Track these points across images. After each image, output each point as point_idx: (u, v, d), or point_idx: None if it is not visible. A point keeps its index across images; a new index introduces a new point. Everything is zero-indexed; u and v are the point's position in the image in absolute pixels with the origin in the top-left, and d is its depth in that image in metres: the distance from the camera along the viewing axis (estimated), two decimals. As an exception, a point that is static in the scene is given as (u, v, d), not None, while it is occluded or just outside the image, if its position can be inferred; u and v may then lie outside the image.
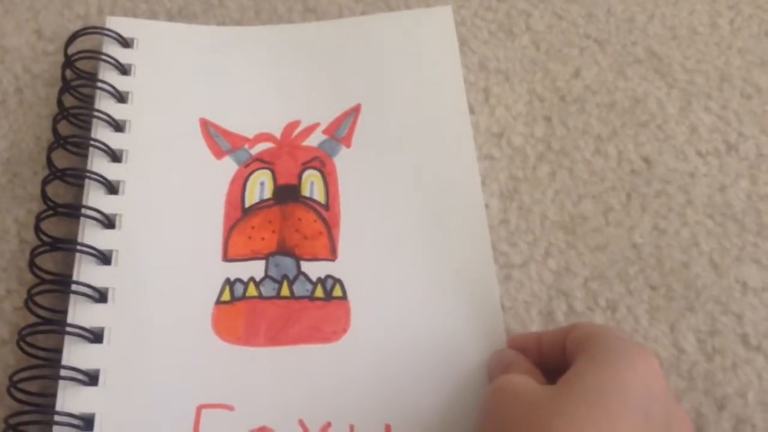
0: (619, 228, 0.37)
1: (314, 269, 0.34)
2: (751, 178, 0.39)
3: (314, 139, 0.38)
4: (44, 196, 0.34)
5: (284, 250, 0.35)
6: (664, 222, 0.38)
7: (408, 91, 0.39)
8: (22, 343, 0.31)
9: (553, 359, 0.30)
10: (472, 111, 0.40)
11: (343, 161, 0.37)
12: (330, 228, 0.36)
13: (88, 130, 0.37)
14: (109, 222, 0.34)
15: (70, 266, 0.33)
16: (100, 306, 0.32)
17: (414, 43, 0.40)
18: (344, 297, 0.34)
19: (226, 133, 0.38)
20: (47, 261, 0.34)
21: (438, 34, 0.41)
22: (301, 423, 0.31)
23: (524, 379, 0.28)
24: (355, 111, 0.38)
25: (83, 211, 0.34)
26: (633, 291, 0.36)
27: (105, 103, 0.37)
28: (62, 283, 0.33)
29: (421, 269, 0.35)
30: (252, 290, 0.34)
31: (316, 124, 0.38)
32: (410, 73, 0.39)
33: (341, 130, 0.38)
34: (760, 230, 0.37)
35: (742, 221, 0.38)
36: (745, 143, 0.40)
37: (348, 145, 0.38)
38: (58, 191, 0.36)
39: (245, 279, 0.34)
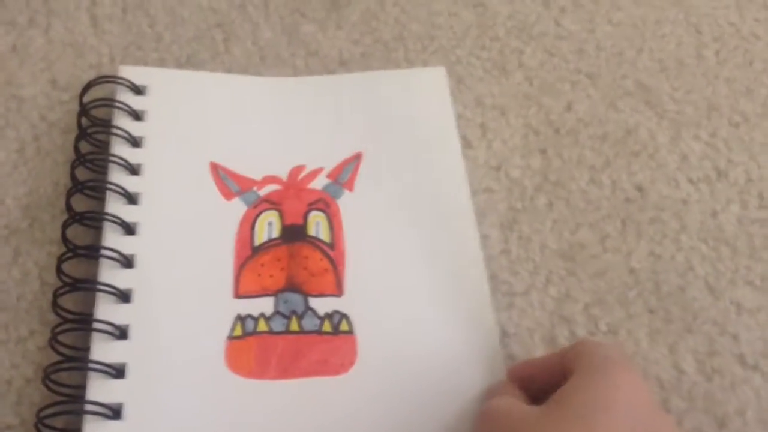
0: (616, 254, 0.38)
1: (321, 305, 0.36)
2: (741, 203, 0.40)
3: (319, 183, 0.40)
4: (64, 238, 0.36)
5: (292, 286, 0.36)
6: (660, 248, 0.39)
7: (406, 142, 0.41)
8: (47, 381, 0.32)
9: (559, 378, 0.30)
10: (470, 146, 0.41)
11: (346, 203, 0.39)
12: (336, 266, 0.37)
13: (104, 174, 0.38)
14: (126, 262, 0.35)
15: (89, 305, 0.34)
16: (121, 342, 0.33)
17: (411, 99, 0.42)
18: (351, 331, 0.35)
19: (235, 176, 0.39)
20: (68, 301, 0.35)
21: (433, 91, 0.43)
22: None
23: (511, 400, 0.29)
24: (357, 158, 0.40)
25: (102, 252, 0.35)
26: (632, 315, 0.37)
27: (120, 148, 0.39)
28: (84, 322, 0.33)
29: (421, 304, 0.36)
30: (262, 325, 0.35)
31: (320, 169, 0.40)
32: (408, 126, 0.41)
33: (344, 175, 0.40)
34: (752, 253, 0.38)
35: (734, 245, 0.39)
36: (734, 169, 0.41)
37: (351, 189, 0.39)
38: (77, 233, 0.37)
39: (255, 315, 0.35)
